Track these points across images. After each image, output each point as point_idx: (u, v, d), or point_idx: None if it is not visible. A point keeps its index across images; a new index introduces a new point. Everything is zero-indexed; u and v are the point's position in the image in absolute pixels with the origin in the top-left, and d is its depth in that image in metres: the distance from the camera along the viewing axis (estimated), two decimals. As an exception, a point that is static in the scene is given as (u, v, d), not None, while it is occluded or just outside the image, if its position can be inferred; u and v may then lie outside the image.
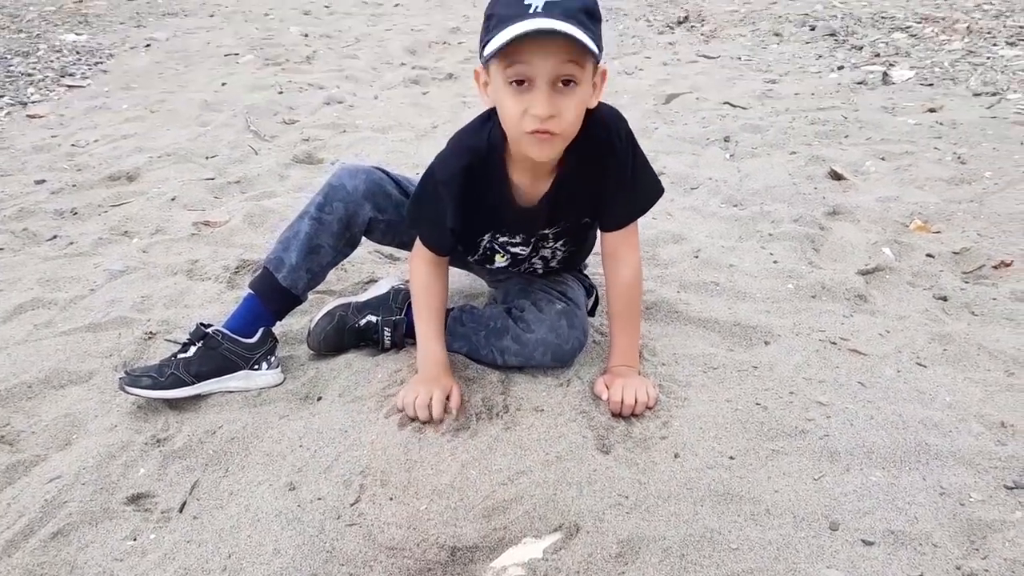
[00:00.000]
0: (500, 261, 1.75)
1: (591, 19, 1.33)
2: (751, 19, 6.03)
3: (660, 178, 2.89)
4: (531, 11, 1.27)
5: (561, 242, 1.70)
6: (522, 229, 1.66)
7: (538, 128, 1.35)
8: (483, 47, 1.35)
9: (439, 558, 1.26)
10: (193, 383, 1.65)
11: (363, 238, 1.83)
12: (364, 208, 1.73)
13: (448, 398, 1.56)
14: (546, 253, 1.73)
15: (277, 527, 1.31)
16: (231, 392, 1.69)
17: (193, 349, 1.67)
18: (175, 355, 1.68)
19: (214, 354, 1.67)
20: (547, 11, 1.27)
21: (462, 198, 1.56)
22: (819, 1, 6.40)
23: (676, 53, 5.15)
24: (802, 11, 6.09)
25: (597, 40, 1.33)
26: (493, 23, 1.33)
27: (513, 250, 1.71)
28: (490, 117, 1.53)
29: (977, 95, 3.84)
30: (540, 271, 1.80)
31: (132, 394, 1.62)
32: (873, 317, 1.95)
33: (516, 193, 1.59)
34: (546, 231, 1.67)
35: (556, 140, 1.39)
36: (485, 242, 1.70)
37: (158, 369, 1.64)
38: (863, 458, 1.43)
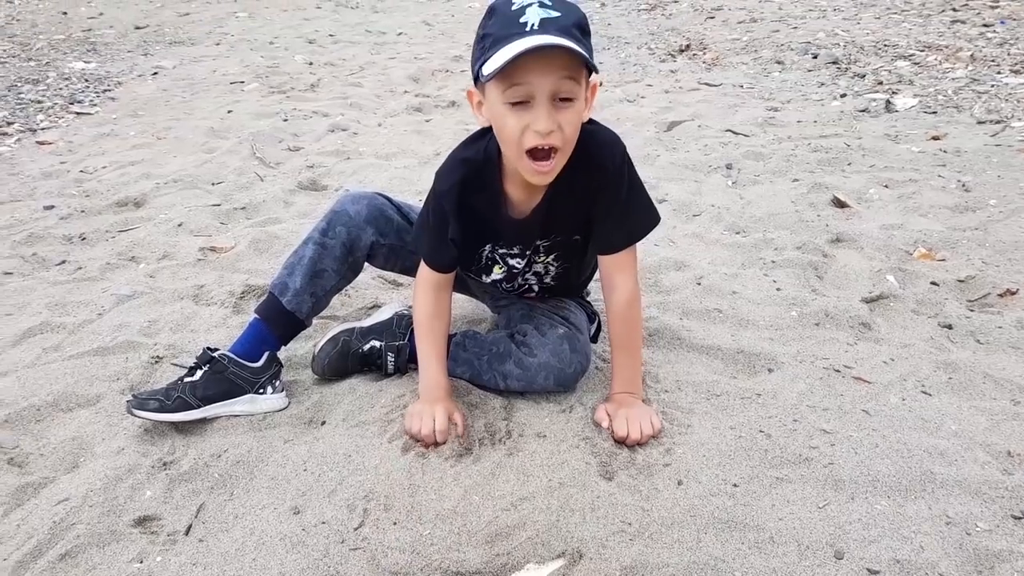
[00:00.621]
0: (497, 272, 1.77)
1: (583, 34, 1.36)
2: (753, 47, 6.10)
3: (662, 205, 2.96)
4: (528, 28, 1.29)
5: (552, 256, 1.71)
6: (518, 240, 1.68)
7: (539, 144, 1.38)
8: (478, 66, 1.37)
9: (443, 584, 1.26)
10: (199, 407, 1.66)
11: (366, 264, 1.85)
12: (366, 232, 1.76)
13: (450, 420, 1.57)
14: (539, 268, 1.74)
15: (282, 551, 1.31)
16: (236, 416, 1.70)
17: (199, 373, 1.68)
18: (181, 379, 1.69)
19: (220, 378, 1.68)
20: (543, 28, 1.29)
21: (459, 208, 1.59)
22: (821, 29, 6.47)
23: (678, 81, 5.20)
24: (804, 39, 6.15)
25: (590, 54, 1.36)
26: (488, 43, 1.34)
27: (511, 262, 1.73)
28: (488, 130, 1.54)
29: (981, 123, 3.85)
30: (535, 289, 1.81)
31: (139, 417, 1.63)
32: (877, 345, 1.95)
33: (510, 204, 1.62)
34: (539, 243, 1.68)
35: (555, 159, 1.42)
36: (486, 252, 1.73)
37: (165, 393, 1.65)
38: (868, 486, 1.43)
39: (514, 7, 1.32)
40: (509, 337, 1.74)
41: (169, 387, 1.68)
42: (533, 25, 1.29)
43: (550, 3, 1.32)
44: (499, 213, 1.62)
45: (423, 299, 1.68)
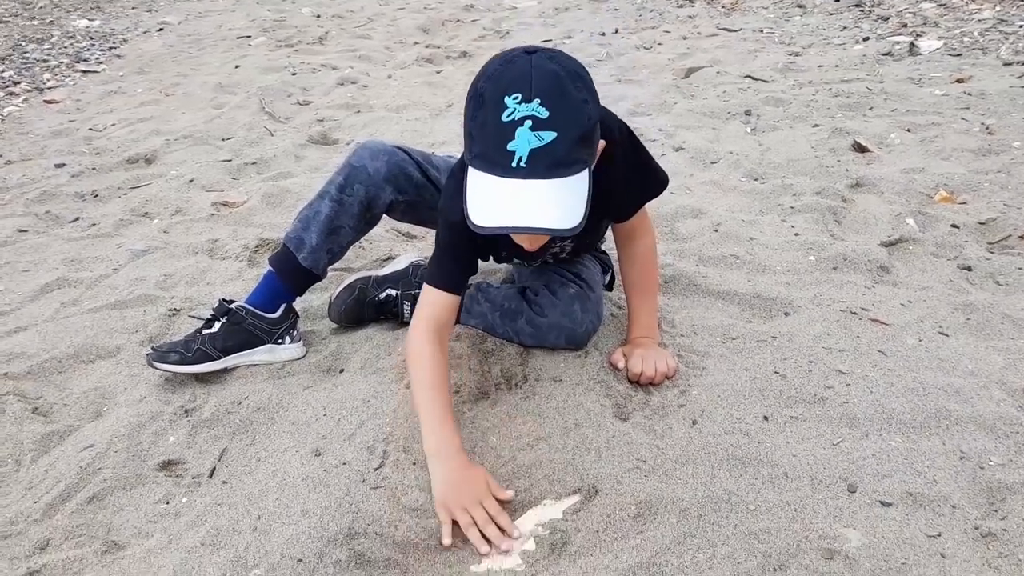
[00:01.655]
0: (514, 261, 1.80)
1: (586, 145, 1.20)
2: (770, -8, 5.95)
3: (679, 153, 2.94)
4: (514, 164, 1.14)
5: (569, 239, 1.69)
6: (538, 251, 1.64)
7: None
8: (467, 148, 1.22)
9: (462, 520, 1.28)
10: (219, 357, 1.68)
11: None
12: (385, 191, 1.70)
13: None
14: (555, 250, 1.72)
15: (304, 490, 1.34)
16: (255, 365, 1.72)
17: (218, 325, 1.70)
18: (200, 331, 1.71)
19: (238, 329, 1.70)
20: (531, 165, 1.13)
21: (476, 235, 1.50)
22: (840, -28, 6.30)
23: (696, 26, 5.10)
24: (822, -17, 6.00)
25: (590, 161, 1.22)
26: (472, 148, 1.20)
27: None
28: None
29: (1007, 64, 3.76)
30: (550, 261, 1.80)
31: (160, 370, 1.65)
32: (895, 288, 1.94)
33: None
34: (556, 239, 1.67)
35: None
36: (503, 254, 1.72)
37: (184, 345, 1.67)
38: (882, 424, 1.44)
39: (504, 114, 1.14)
40: (520, 293, 1.73)
41: (188, 339, 1.69)
42: (521, 159, 1.13)
43: (546, 114, 1.13)
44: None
45: (426, 346, 1.45)
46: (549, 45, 4.84)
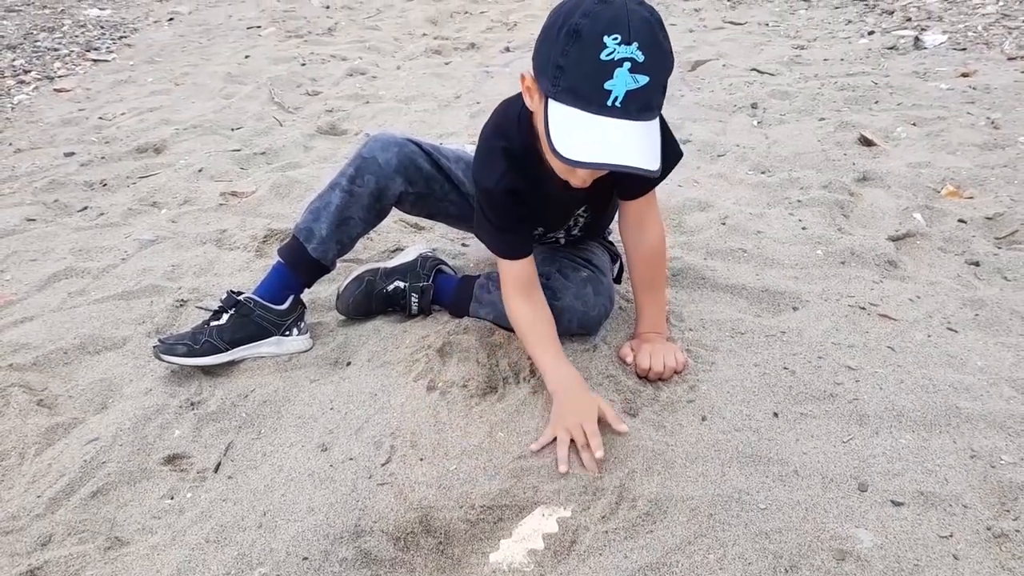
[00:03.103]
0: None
1: (664, 93, 1.22)
2: (778, -16, 5.91)
3: (686, 146, 2.91)
4: (609, 103, 1.15)
5: (583, 208, 1.69)
6: (563, 220, 1.69)
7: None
8: (551, 81, 1.19)
9: (469, 516, 1.27)
10: (227, 350, 1.68)
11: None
12: (395, 182, 1.71)
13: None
14: (569, 223, 1.73)
15: (310, 486, 1.33)
16: (262, 357, 1.71)
17: (226, 316, 1.69)
18: (207, 322, 1.70)
19: (246, 321, 1.69)
20: (625, 106, 1.16)
21: (513, 198, 1.51)
22: (849, -35, 6.25)
23: (702, 19, 5.07)
24: (831, -25, 5.95)
25: (661, 108, 1.25)
26: (563, 84, 1.18)
27: (552, 236, 1.77)
28: (519, 113, 1.45)
29: (1012, 59, 3.74)
30: (562, 241, 1.80)
31: (168, 362, 1.64)
32: (903, 283, 1.93)
33: (552, 185, 1.50)
34: (578, 212, 1.67)
35: None
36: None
37: (192, 337, 1.67)
38: (892, 421, 1.43)
39: (604, 53, 1.14)
40: (532, 280, 1.73)
41: (196, 331, 1.69)
42: (616, 99, 1.15)
43: (643, 58, 1.14)
44: (546, 193, 1.52)
45: (520, 308, 1.55)
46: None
